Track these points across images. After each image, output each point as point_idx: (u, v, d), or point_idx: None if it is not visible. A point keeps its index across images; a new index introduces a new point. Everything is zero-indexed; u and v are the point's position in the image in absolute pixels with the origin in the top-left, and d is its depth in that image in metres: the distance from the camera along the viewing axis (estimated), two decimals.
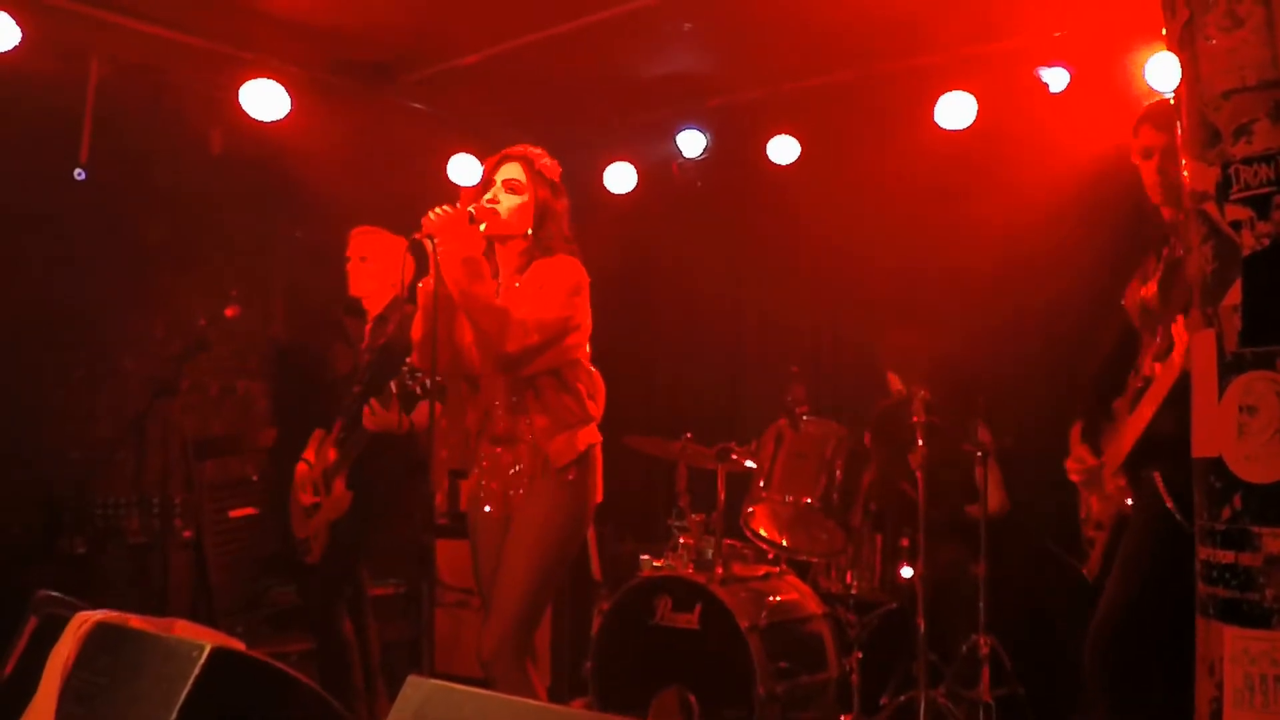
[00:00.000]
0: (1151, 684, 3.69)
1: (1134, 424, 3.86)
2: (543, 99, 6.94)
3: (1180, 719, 3.29)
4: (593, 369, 4.32)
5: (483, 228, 4.11)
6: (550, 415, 4.16)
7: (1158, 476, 3.71)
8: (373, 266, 5.64)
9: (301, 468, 5.62)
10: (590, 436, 4.24)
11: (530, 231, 4.24)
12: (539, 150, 4.33)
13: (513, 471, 4.20)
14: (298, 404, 6.37)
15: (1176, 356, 3.64)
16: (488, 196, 4.20)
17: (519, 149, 4.31)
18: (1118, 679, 3.74)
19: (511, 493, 4.20)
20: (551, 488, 4.14)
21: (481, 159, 4.44)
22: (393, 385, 4.99)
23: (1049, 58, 5.93)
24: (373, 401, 5.18)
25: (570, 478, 4.15)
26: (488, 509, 4.26)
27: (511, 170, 4.26)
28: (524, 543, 4.12)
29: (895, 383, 6.15)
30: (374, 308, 5.68)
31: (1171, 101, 3.86)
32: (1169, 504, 3.65)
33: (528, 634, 4.16)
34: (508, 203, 4.20)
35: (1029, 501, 5.78)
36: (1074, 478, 4.25)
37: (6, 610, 3.41)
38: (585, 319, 4.25)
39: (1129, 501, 3.92)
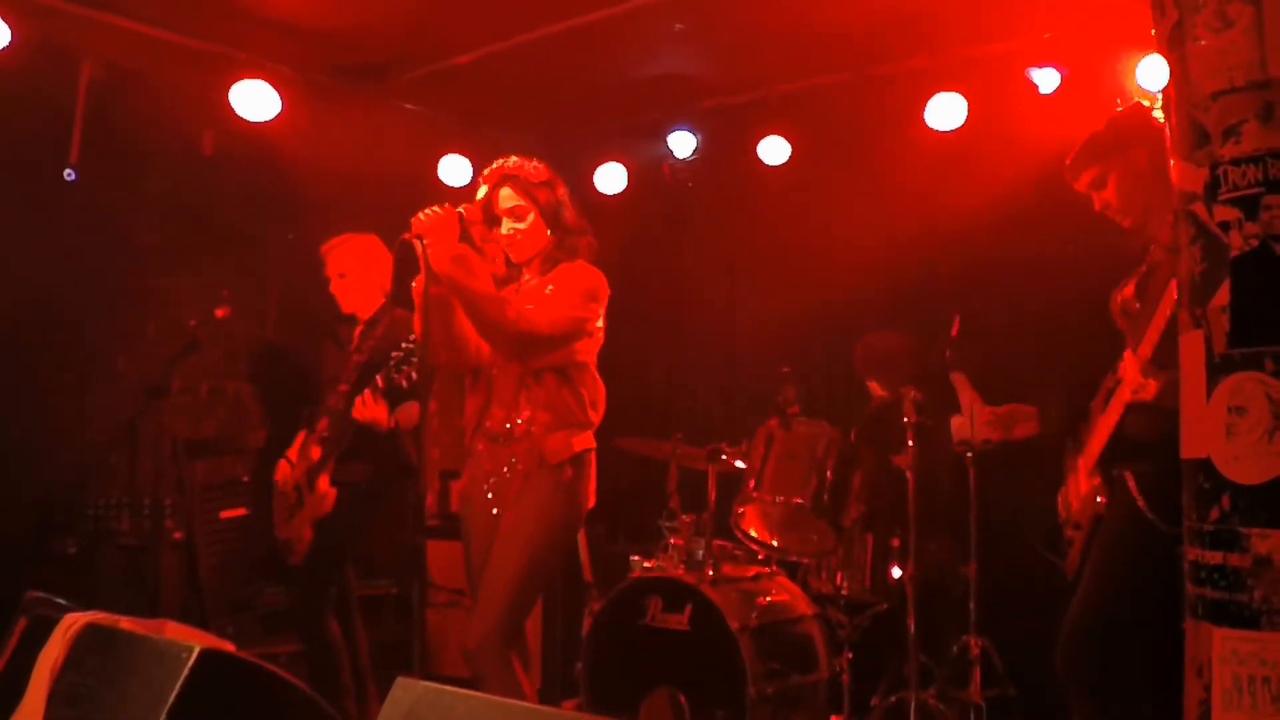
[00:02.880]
0: (1128, 685, 3.70)
1: (1104, 424, 3.87)
2: (534, 99, 6.94)
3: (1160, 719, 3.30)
4: (598, 376, 4.35)
5: (511, 259, 4.23)
6: (551, 411, 4.19)
7: (1129, 476, 3.72)
8: (354, 280, 5.62)
9: (283, 466, 5.60)
10: (586, 441, 4.27)
11: (549, 234, 4.31)
12: (517, 161, 4.34)
13: (508, 467, 4.21)
14: (288, 405, 6.35)
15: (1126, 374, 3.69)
16: (505, 230, 4.27)
17: (499, 171, 4.32)
18: (1093, 681, 3.74)
19: (506, 488, 4.21)
20: (547, 485, 4.16)
21: (474, 159, 4.45)
22: (379, 380, 4.99)
23: (1039, 59, 5.94)
24: (366, 393, 5.17)
25: (566, 476, 4.18)
26: (481, 504, 4.27)
27: (509, 199, 4.29)
28: (516, 538, 4.12)
29: (877, 390, 6.16)
30: (365, 314, 5.66)
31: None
32: (1141, 504, 3.66)
33: (514, 628, 4.16)
34: (521, 229, 4.28)
35: (1019, 501, 5.78)
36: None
37: None
38: (598, 326, 4.30)
39: (1100, 500, 3.93)
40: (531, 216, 4.28)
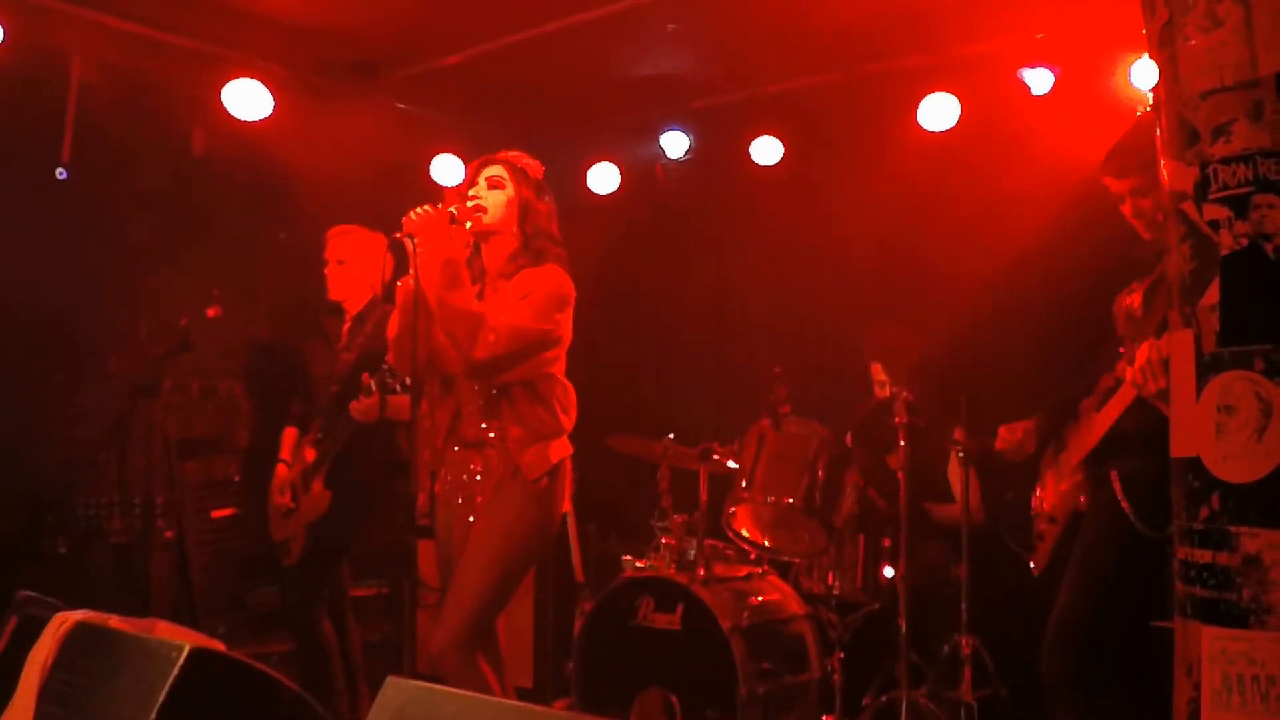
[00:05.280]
0: (1111, 685, 3.70)
1: (1100, 422, 3.87)
2: (527, 99, 6.93)
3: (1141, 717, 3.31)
4: (567, 382, 4.31)
5: (468, 226, 4.12)
6: (524, 425, 4.15)
7: (1115, 476, 3.72)
8: (352, 270, 5.62)
9: (280, 469, 5.61)
10: (563, 449, 4.24)
11: (517, 229, 4.25)
12: (519, 152, 4.36)
13: (480, 475, 4.19)
14: (278, 404, 6.36)
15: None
16: (470, 193, 4.21)
17: (501, 153, 4.35)
18: (1076, 679, 3.75)
19: (477, 496, 4.19)
20: (520, 495, 4.12)
21: (465, 158, 4.46)
22: (372, 383, 4.98)
23: (1032, 59, 5.94)
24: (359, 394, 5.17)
25: (540, 487, 4.14)
26: (455, 509, 4.25)
27: (493, 170, 4.29)
28: (486, 546, 4.10)
29: (879, 373, 6.13)
30: (353, 308, 5.66)
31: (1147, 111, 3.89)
32: (1124, 505, 3.66)
33: (478, 634, 4.12)
34: (491, 199, 4.22)
35: (995, 495, 5.78)
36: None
37: None
38: (567, 333, 4.25)
39: (1082, 498, 3.94)
40: (506, 194, 4.24)
